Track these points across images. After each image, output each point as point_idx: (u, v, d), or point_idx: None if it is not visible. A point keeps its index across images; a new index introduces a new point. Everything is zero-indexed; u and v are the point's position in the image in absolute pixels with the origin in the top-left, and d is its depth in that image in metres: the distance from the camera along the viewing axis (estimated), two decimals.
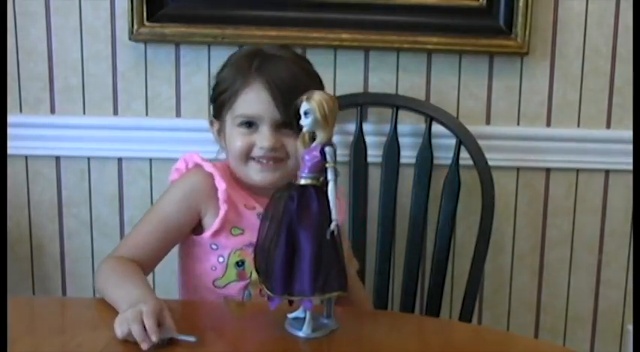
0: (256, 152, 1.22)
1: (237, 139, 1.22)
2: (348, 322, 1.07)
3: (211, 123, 1.30)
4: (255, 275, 1.22)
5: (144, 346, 0.95)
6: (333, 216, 0.96)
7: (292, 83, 1.20)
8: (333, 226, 0.96)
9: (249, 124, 1.22)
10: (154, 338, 0.95)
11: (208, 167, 1.24)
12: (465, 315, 1.61)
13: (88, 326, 1.04)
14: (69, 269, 1.77)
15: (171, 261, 1.29)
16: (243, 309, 1.21)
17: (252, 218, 1.24)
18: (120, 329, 0.98)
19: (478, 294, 1.70)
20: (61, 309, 1.14)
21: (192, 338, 0.98)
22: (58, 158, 1.74)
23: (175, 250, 1.28)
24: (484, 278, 1.77)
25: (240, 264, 1.24)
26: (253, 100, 1.20)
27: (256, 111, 1.21)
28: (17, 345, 0.97)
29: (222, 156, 1.33)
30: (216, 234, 1.22)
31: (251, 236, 1.21)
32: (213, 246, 1.23)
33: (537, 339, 1.78)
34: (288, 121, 1.17)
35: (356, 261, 1.05)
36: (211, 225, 1.22)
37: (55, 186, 1.75)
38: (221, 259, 1.24)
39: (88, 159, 1.73)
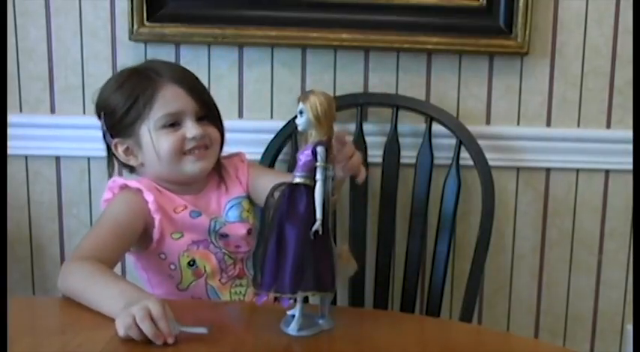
0: (188, 144, 1.25)
1: (166, 139, 1.25)
2: (348, 322, 1.07)
3: (115, 146, 1.30)
4: (209, 267, 1.27)
5: (158, 342, 0.95)
6: (318, 215, 0.97)
7: (191, 75, 1.32)
8: (316, 226, 0.96)
9: (172, 124, 1.25)
10: (170, 340, 0.96)
11: (134, 184, 1.27)
12: (465, 315, 1.61)
13: (88, 326, 1.04)
14: None
15: None
16: (244, 308, 1.21)
17: (185, 219, 1.27)
18: (124, 327, 0.96)
19: (478, 294, 1.71)
20: (61, 309, 1.14)
21: (202, 330, 0.98)
22: (58, 158, 1.74)
23: None
24: (484, 278, 1.77)
25: (191, 263, 1.27)
26: (172, 98, 1.25)
27: (178, 107, 1.25)
28: (17, 345, 0.97)
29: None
30: (159, 243, 1.25)
31: (191, 235, 1.27)
32: (162, 256, 1.27)
33: (537, 339, 1.78)
34: (204, 113, 1.28)
35: (354, 262, 1.06)
36: (153, 236, 1.25)
37: (55, 186, 1.75)
38: (173, 266, 1.27)
39: (88, 159, 1.73)
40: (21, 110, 1.72)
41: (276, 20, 1.64)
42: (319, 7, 1.64)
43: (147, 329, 0.95)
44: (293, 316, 1.03)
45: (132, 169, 1.34)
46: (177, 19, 1.64)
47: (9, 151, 1.65)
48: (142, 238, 1.26)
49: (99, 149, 1.70)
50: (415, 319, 1.33)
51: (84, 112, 1.71)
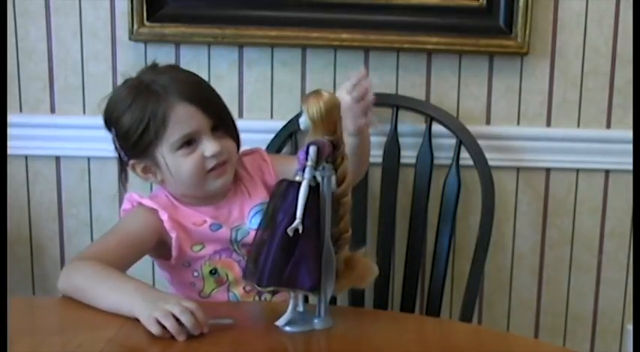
0: (210, 163, 1.23)
1: (186, 161, 1.23)
2: (348, 321, 1.07)
3: (132, 167, 1.28)
4: (232, 276, 1.27)
5: (196, 332, 0.99)
6: (298, 214, 0.97)
7: (199, 85, 1.28)
8: (295, 224, 0.96)
9: (189, 142, 1.22)
10: (206, 329, 1.00)
11: (148, 202, 1.26)
12: (465, 315, 1.61)
13: (88, 326, 1.04)
14: None
15: None
16: (244, 308, 1.21)
17: (204, 232, 1.26)
18: (160, 316, 0.98)
19: (478, 294, 1.71)
20: (61, 309, 1.14)
21: (228, 321, 1.02)
22: (58, 158, 1.74)
23: None
24: (484, 278, 1.77)
25: (213, 272, 1.27)
26: (184, 119, 1.21)
27: (192, 127, 1.22)
28: (17, 345, 0.97)
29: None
30: (179, 257, 1.25)
31: (212, 246, 1.26)
32: (186, 264, 1.27)
33: (537, 339, 1.78)
34: (217, 123, 1.24)
35: (376, 267, 1.07)
36: (172, 252, 1.25)
37: (55, 186, 1.75)
38: (196, 273, 1.28)
39: (88, 159, 1.73)
40: (21, 110, 1.72)
41: (276, 20, 1.64)
42: (319, 7, 1.64)
43: (187, 320, 0.98)
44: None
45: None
46: (177, 19, 1.64)
47: (9, 151, 1.65)
48: (161, 252, 1.26)
49: (99, 149, 1.70)
50: (415, 319, 1.33)
51: (84, 112, 1.71)
